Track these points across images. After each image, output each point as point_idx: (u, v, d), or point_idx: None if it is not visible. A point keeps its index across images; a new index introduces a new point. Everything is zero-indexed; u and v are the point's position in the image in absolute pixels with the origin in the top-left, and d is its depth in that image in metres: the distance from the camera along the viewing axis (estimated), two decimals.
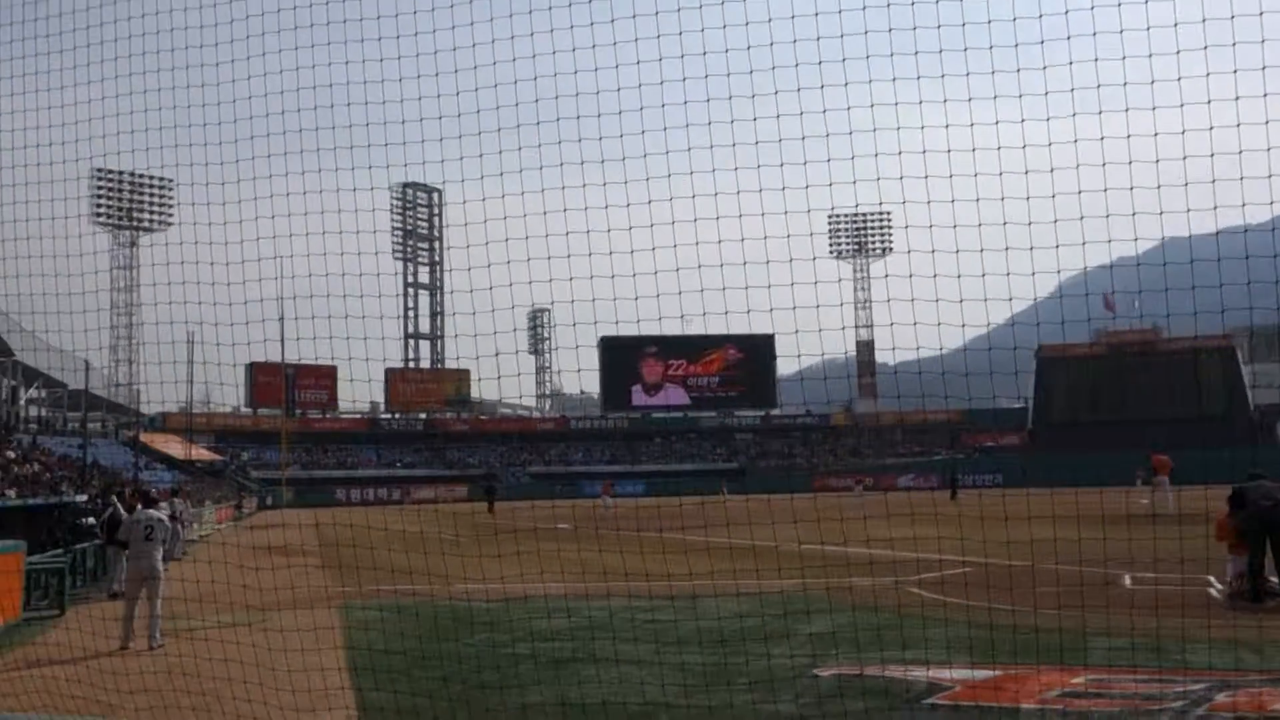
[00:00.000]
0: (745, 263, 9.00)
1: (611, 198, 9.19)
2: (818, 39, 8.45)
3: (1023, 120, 8.29)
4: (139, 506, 15.40)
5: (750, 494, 59.14)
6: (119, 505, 19.91)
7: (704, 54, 8.58)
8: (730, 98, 8.98)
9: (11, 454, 44.76)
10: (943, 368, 9.78)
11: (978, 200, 8.52)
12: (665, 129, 9.11)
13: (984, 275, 8.53)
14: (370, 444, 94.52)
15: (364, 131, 9.97)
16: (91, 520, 24.11)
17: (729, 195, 9.06)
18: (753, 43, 8.49)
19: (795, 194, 8.72)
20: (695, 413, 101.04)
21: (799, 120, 8.71)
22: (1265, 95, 8.07)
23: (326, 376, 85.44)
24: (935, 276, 8.73)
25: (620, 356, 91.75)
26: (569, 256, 9.25)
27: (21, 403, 69.18)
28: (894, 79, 8.67)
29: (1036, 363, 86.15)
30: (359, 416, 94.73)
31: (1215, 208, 8.24)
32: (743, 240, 8.88)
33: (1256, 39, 7.90)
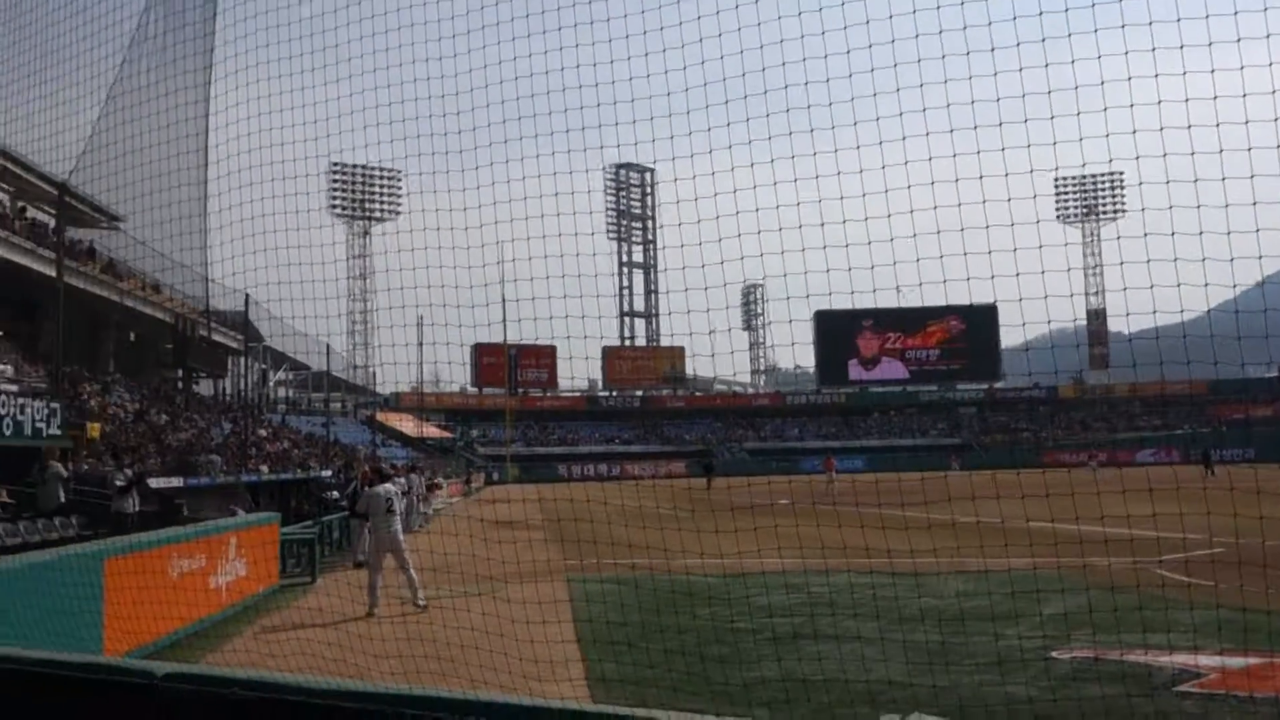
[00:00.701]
0: (963, 229, 8.67)
1: (822, 168, 9.02)
2: None
3: (1270, 64, 7.62)
4: (373, 482, 16.33)
5: (974, 469, 57.39)
6: (363, 480, 21.20)
7: (914, 11, 8.28)
8: (944, 56, 8.64)
9: (263, 432, 48.30)
10: (1184, 334, 9.14)
11: (1220, 152, 7.90)
12: (875, 94, 8.86)
13: (1229, 233, 7.90)
14: (589, 421, 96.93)
15: (578, 115, 10.15)
16: (335, 494, 25.76)
17: (944, 159, 8.72)
18: None
19: (1016, 154, 8.31)
20: (915, 386, 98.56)
21: (1018, 77, 8.29)
22: None
23: (546, 356, 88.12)
24: (1173, 235, 8.14)
25: (836, 330, 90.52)
26: (780, 230, 9.15)
27: (271, 384, 74.53)
28: (1122, 25, 8.14)
29: None
30: (578, 394, 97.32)
31: None
32: (959, 205, 8.54)
33: None
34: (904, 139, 9.06)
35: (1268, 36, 7.92)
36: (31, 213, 42.04)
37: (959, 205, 8.75)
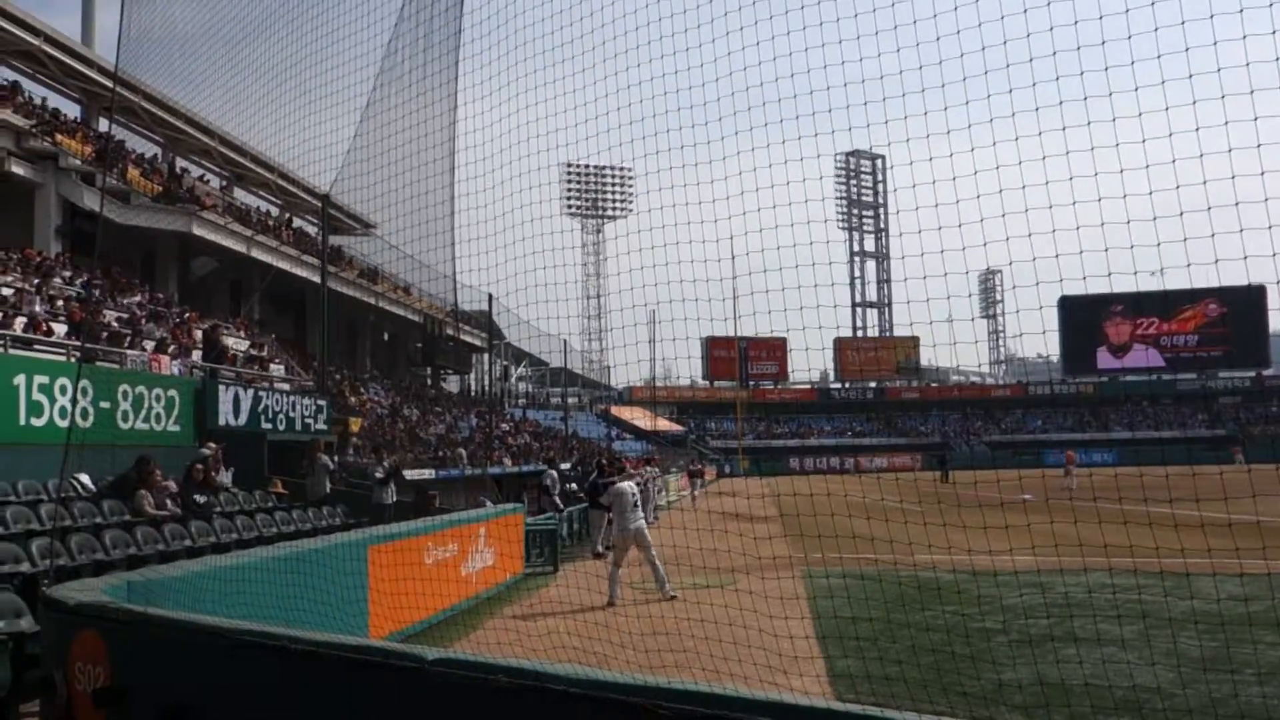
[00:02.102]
0: (1209, 208, 7.95)
1: (1073, 143, 8.47)
2: None
3: None
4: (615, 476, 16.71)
5: (1250, 463, 53.16)
6: (601, 472, 21.70)
7: None
8: (1212, 16, 7.93)
9: (505, 426, 50.25)
10: None
11: None
12: (1133, 63, 8.24)
13: None
14: (822, 413, 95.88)
15: (808, 100, 9.96)
16: (574, 485, 26.46)
17: (1188, 134, 8.01)
18: None
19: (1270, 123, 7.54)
20: (1171, 374, 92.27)
21: (1273, 40, 7.53)
22: None
23: (777, 348, 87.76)
24: None
25: (1083, 316, 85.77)
26: (1026, 211, 8.65)
27: (512, 380, 77.51)
28: None
29: None
30: (809, 386, 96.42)
31: None
32: (1204, 183, 7.84)
33: None
34: (1167, 109, 8.40)
35: None
36: (297, 222, 45.38)
37: (1204, 183, 8.05)
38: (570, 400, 76.26)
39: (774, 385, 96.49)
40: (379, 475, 20.18)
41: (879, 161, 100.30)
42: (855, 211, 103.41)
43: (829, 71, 9.71)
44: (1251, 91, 7.92)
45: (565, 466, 39.10)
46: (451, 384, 60.76)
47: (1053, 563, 12.44)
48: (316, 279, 29.99)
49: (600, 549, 20.59)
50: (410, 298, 49.17)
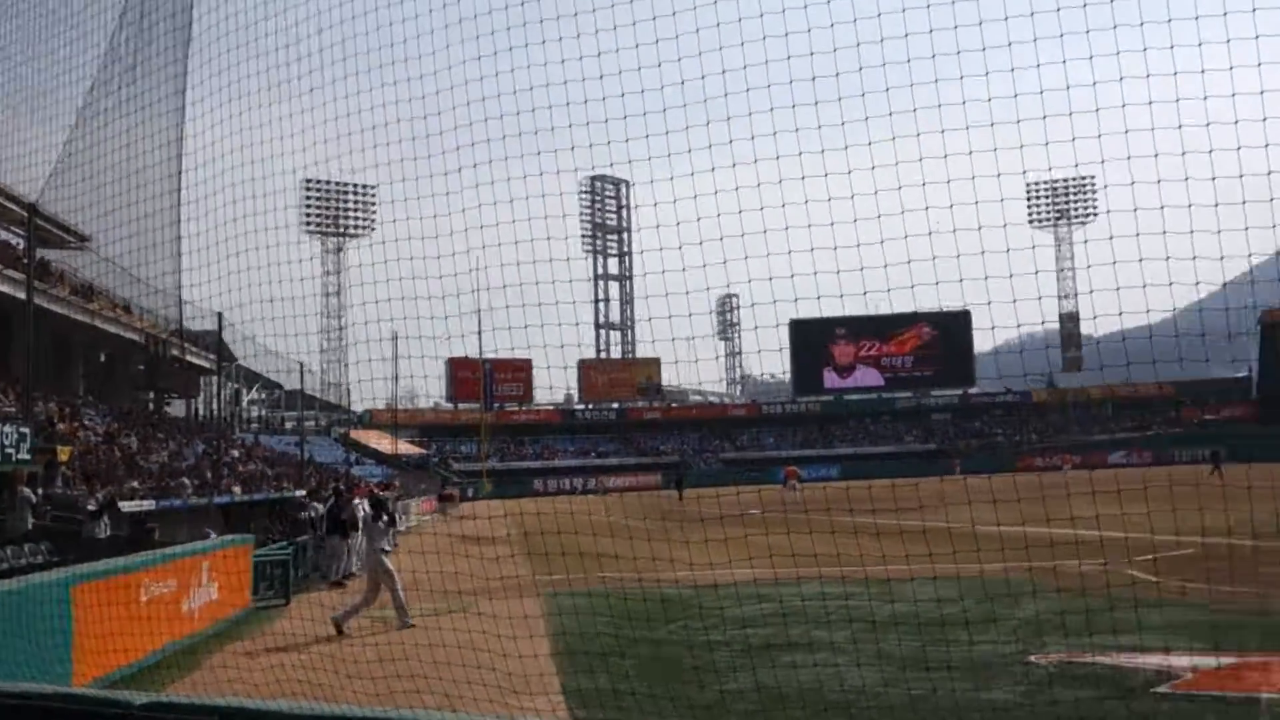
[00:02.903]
0: (931, 233, 8.71)
1: (787, 171, 9.02)
2: None
3: (1231, 68, 7.71)
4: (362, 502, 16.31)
5: (944, 475, 57.55)
6: (339, 499, 21.06)
7: (878, 15, 8.32)
8: (909, 60, 8.68)
9: (235, 453, 47.92)
10: (1150, 334, 9.22)
11: (1183, 154, 7.99)
12: (840, 99, 8.89)
13: (1191, 233, 7.97)
14: (566, 434, 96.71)
15: (550, 132, 10.15)
16: (317, 508, 25.51)
17: (910, 164, 8.75)
18: (932, 1, 8.17)
19: (983, 158, 8.36)
20: (889, 393, 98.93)
21: (984, 81, 8.35)
22: None
23: (522, 370, 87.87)
24: (1138, 235, 8.20)
25: (810, 339, 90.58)
26: (752, 234, 9.13)
27: (244, 404, 74.03)
28: (1088, 31, 8.22)
29: (1260, 329, 79.93)
30: (554, 408, 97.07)
31: None
32: (927, 209, 8.58)
33: None
34: (870, 144, 9.10)
35: (1228, 41, 8.01)
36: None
37: (926, 209, 8.79)
38: (308, 424, 73.54)
39: (518, 407, 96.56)
40: (91, 508, 18.83)
41: (623, 186, 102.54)
42: (599, 235, 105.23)
43: (569, 88, 9.90)
44: (967, 127, 8.68)
45: (301, 494, 37.66)
46: (177, 408, 57.34)
47: (770, 575, 13.12)
48: (21, 295, 27.64)
49: (338, 578, 19.99)
50: (130, 316, 46.12)
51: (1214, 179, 8.03)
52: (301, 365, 53.20)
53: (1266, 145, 7.61)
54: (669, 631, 11.95)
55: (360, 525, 15.85)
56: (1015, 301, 8.53)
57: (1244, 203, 7.96)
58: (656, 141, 9.53)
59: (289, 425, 75.36)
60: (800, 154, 8.94)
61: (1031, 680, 8.95)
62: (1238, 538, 13.38)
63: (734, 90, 9.10)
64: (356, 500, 20.54)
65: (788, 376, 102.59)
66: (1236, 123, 8.09)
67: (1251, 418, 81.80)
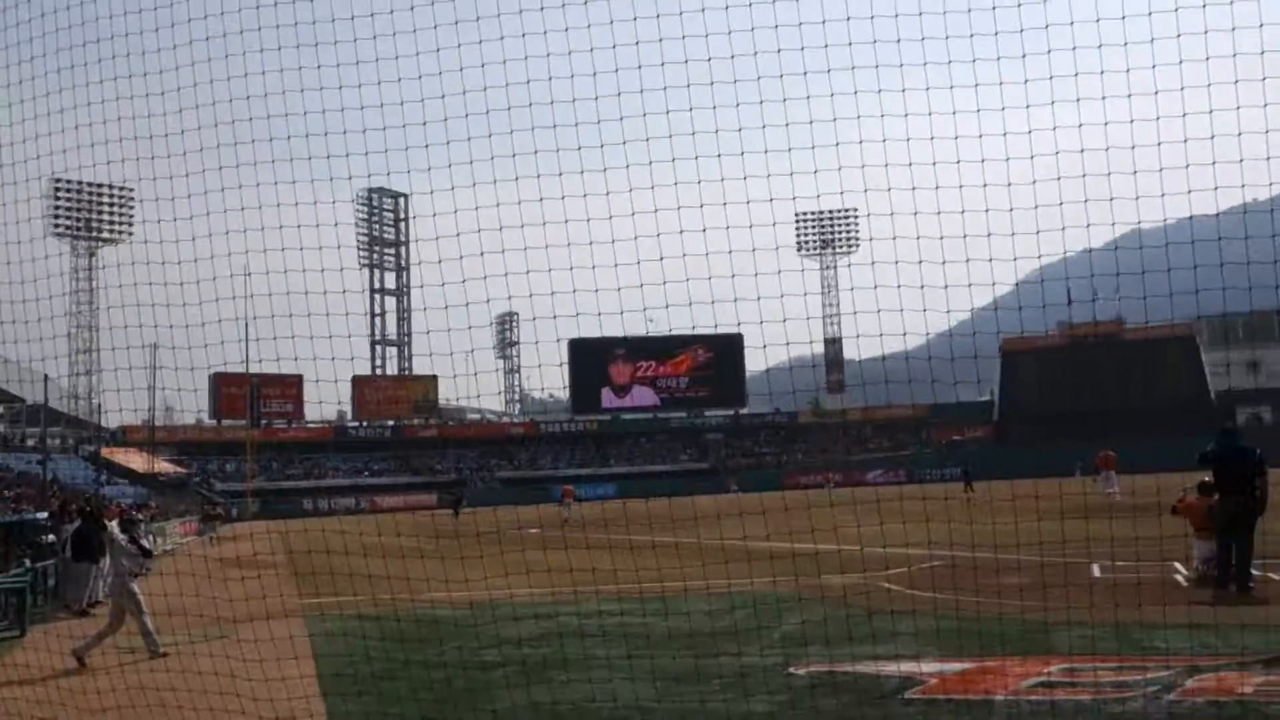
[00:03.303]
0: (707, 253, 8.95)
1: (568, 188, 9.09)
2: (775, 26, 8.42)
3: (979, 110, 8.32)
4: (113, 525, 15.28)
5: (719, 493, 59.29)
6: (85, 522, 19.64)
7: (660, 40, 8.51)
8: (689, 85, 8.92)
9: None
10: (906, 358, 9.81)
11: (936, 188, 8.55)
12: (621, 118, 9.04)
13: (944, 263, 8.54)
14: (337, 453, 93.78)
15: (324, 140, 9.86)
16: (64, 530, 23.68)
17: (689, 184, 8.97)
18: (710, 30, 8.44)
19: (757, 183, 8.69)
20: (665, 413, 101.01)
21: (758, 109, 8.66)
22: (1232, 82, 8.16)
23: (292, 386, 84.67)
24: (897, 263, 8.73)
25: (589, 358, 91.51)
26: (546, 248, 9.14)
27: None
28: (852, 67, 8.68)
29: (1001, 355, 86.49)
30: (325, 425, 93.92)
31: (1168, 197, 8.29)
32: (704, 230, 8.83)
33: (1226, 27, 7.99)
34: (650, 164, 9.26)
35: (976, 86, 8.62)
36: None
37: (704, 230, 9.04)
38: (51, 441, 68.35)
39: (288, 424, 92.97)
40: None
41: (401, 200, 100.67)
42: (376, 249, 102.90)
43: (347, 115, 9.64)
44: (743, 153, 8.94)
45: (42, 516, 34.92)
46: None
47: (549, 593, 13.11)
48: None
49: (83, 605, 18.63)
50: None
51: (963, 212, 8.63)
52: (46, 377, 49.42)
53: (1009, 184, 8.24)
54: (443, 653, 11.72)
55: (109, 549, 14.81)
56: (785, 321, 8.88)
57: (989, 235, 8.58)
58: (437, 151, 9.42)
59: (30, 442, 69.85)
60: (583, 171, 9.02)
61: (793, 689, 9.26)
62: (981, 550, 14.32)
63: (517, 104, 9.10)
64: (109, 523, 19.21)
65: (566, 395, 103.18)
66: (983, 161, 8.73)
67: (993, 439, 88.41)
